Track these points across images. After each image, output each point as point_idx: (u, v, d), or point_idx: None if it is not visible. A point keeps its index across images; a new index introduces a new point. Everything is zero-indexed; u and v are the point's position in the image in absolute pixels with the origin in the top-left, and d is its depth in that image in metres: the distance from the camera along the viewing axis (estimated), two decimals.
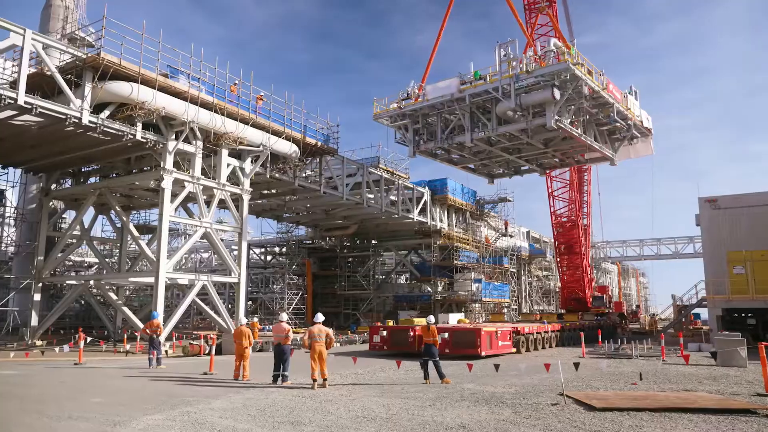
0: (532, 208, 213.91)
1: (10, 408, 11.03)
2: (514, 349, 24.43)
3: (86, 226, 34.40)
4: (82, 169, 34.29)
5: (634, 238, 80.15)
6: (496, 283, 51.41)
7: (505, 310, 55.14)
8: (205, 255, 62.45)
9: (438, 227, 48.81)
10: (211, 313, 31.44)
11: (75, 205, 34.38)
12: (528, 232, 70.01)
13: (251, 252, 54.07)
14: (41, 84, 24.94)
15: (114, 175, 33.41)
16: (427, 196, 47.55)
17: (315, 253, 54.94)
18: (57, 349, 23.37)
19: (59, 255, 33.31)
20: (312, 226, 51.74)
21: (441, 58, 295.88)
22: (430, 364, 14.92)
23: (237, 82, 30.38)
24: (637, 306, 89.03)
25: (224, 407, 11.00)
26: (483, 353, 21.92)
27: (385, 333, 23.98)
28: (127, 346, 25.17)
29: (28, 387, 14.00)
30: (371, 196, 42.42)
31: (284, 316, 15.58)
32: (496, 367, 14.83)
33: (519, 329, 25.44)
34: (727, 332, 27.47)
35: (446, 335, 22.41)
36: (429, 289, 51.95)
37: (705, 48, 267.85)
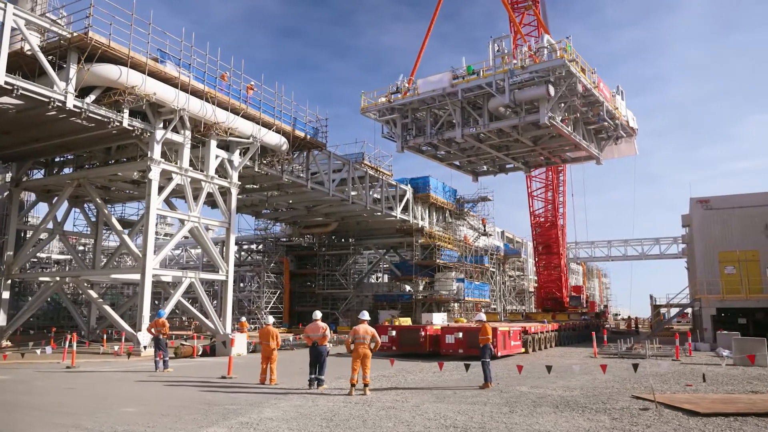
0: (498, 209, 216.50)
1: (35, 421, 9.59)
2: (523, 349, 23.82)
3: (59, 220, 32.19)
4: (55, 159, 32.16)
5: (601, 239, 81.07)
6: (477, 283, 50.97)
7: (483, 310, 54.74)
8: (177, 252, 60.01)
9: (420, 225, 48.05)
10: (197, 313, 29.86)
11: (47, 197, 32.18)
12: (502, 232, 69.98)
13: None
14: (20, 64, 23.03)
15: (88, 166, 31.34)
16: (409, 194, 46.70)
17: (292, 251, 53.44)
18: (38, 351, 21.51)
19: (30, 250, 31.10)
20: (291, 223, 50.18)
21: (407, 57, 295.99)
22: (483, 364, 13.81)
23: (230, 69, 28.92)
24: (605, 306, 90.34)
25: (280, 416, 9.82)
26: (499, 353, 21.20)
27: (394, 333, 22.96)
28: (115, 347, 23.51)
29: (36, 395, 12.45)
30: (354, 192, 41.32)
31: (318, 314, 14.35)
32: (549, 368, 14.01)
33: (527, 329, 24.84)
34: (726, 332, 27.56)
35: (460, 335, 21.61)
36: (408, 288, 51.16)
37: (661, 56, 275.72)
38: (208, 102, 27.71)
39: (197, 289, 28.10)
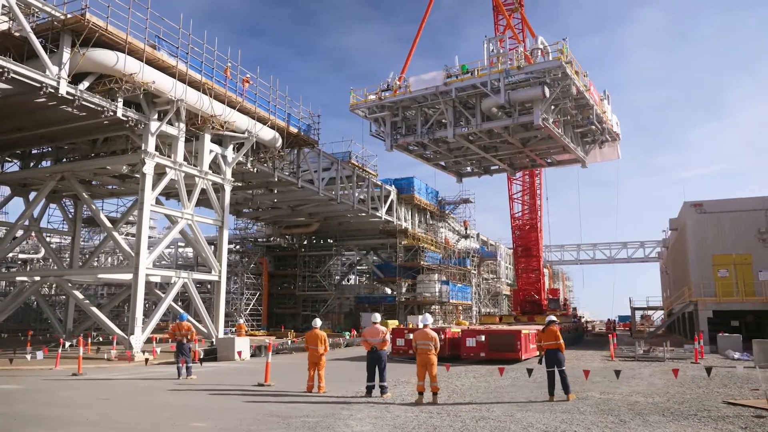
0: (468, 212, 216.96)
1: None
2: (537, 352, 23.34)
3: (35, 216, 30.20)
4: (32, 151, 30.18)
5: (570, 242, 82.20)
6: (460, 285, 50.58)
7: (461, 314, 54.42)
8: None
9: (403, 227, 47.36)
10: (185, 314, 28.39)
11: (23, 191, 30.17)
12: (477, 235, 69.89)
13: None
14: (7, 47, 21.32)
15: (65, 159, 29.51)
16: (393, 195, 45.98)
17: (271, 251, 51.92)
18: (29, 357, 19.86)
19: (6, 248, 29.05)
20: (271, 222, 48.77)
21: (372, 59, 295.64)
22: (556, 374, 12.33)
23: (226, 59, 27.66)
24: (575, 308, 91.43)
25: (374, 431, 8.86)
26: (523, 357, 20.69)
27: (411, 336, 22.09)
28: (113, 353, 21.99)
29: (75, 408, 11.06)
30: (342, 192, 40.36)
31: (377, 317, 13.44)
32: (617, 373, 13.42)
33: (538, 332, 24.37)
34: (727, 334, 27.74)
35: (482, 338, 21.00)
36: (388, 290, 50.42)
37: (618, 64, 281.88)
38: (205, 94, 26.40)
39: (190, 290, 26.73)
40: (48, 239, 42.20)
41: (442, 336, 21.64)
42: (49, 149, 29.71)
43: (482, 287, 66.96)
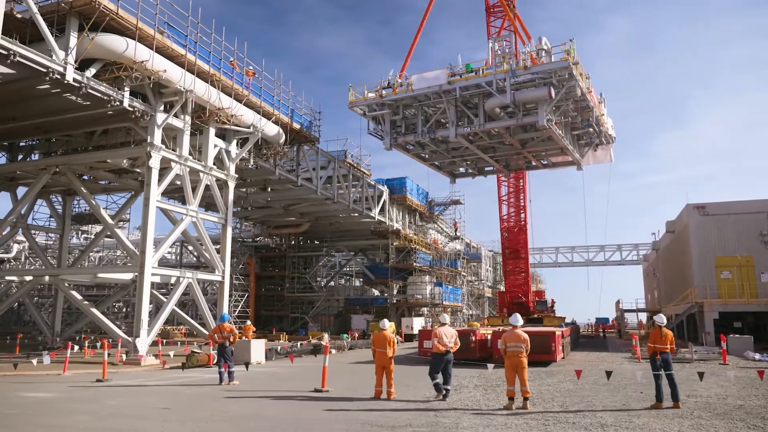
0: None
1: None
2: (562, 354, 22.94)
3: (22, 212, 28.47)
4: (21, 143, 28.44)
5: (549, 246, 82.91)
6: (451, 287, 50.05)
7: (450, 314, 53.87)
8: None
9: (395, 227, 46.59)
10: (185, 316, 27.19)
11: (10, 185, 28.41)
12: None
13: (186, 249, 48.94)
14: (9, 29, 19.82)
15: (55, 153, 27.88)
16: (386, 195, 45.20)
17: (257, 252, 50.47)
18: (35, 362, 18.43)
19: None
20: (259, 222, 47.39)
21: (342, 61, 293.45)
22: (663, 379, 11.40)
23: (233, 51, 26.50)
24: (553, 310, 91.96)
25: None
26: (558, 358, 20.19)
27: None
28: (121, 356, 20.64)
29: (140, 419, 9.78)
30: (340, 191, 39.40)
31: (446, 318, 12.69)
32: (701, 375, 12.91)
33: (563, 333, 24.00)
34: (737, 335, 27.80)
35: None
36: (376, 292, 49.59)
37: (589, 72, 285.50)
38: (213, 86, 25.20)
39: (195, 291, 25.48)
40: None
41: (473, 338, 20.98)
42: (37, 141, 28.06)
43: (465, 289, 66.65)
